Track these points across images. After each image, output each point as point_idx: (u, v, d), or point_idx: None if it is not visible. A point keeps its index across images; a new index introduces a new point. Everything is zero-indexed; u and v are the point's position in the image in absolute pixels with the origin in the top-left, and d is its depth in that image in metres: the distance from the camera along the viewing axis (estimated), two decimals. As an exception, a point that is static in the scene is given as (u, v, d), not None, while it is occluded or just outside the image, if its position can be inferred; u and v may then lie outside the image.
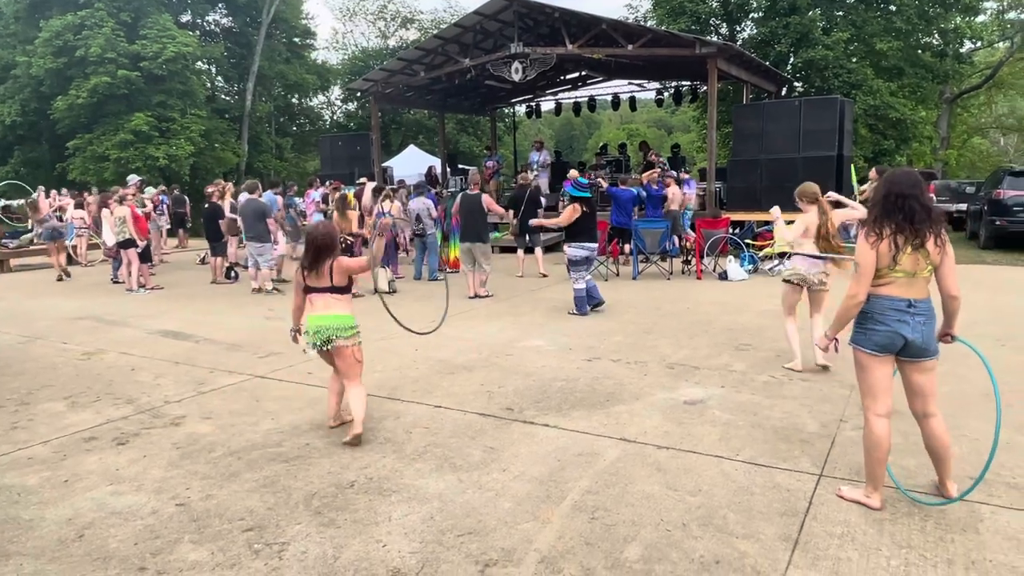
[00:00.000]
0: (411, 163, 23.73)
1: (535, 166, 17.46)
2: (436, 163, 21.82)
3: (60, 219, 14.01)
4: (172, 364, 6.20)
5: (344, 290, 4.25)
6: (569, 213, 8.01)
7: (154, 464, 3.97)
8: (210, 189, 12.33)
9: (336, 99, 39.37)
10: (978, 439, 4.07)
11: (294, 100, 36.90)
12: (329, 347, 4.16)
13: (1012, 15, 25.69)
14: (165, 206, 15.67)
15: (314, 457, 3.99)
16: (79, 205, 14.63)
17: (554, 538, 3.06)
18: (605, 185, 12.97)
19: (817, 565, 2.81)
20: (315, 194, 14.49)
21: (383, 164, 21.03)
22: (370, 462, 3.91)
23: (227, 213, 11.47)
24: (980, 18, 23.62)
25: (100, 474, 3.86)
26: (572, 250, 8.03)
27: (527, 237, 11.55)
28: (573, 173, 13.12)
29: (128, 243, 10.63)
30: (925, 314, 3.13)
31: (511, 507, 3.35)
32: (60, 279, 12.35)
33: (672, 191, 12.43)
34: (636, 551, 2.94)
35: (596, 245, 8.23)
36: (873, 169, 8.66)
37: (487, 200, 9.51)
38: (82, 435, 4.48)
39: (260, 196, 10.66)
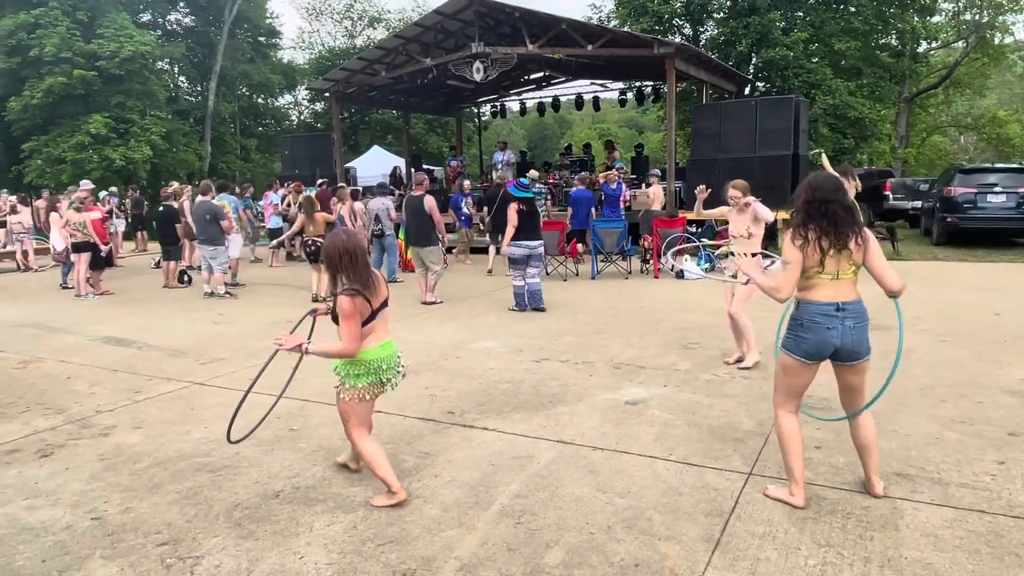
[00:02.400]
0: (376, 164, 23.55)
1: (499, 166, 17.41)
2: (401, 163, 21.66)
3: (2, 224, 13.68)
4: (110, 372, 6.04)
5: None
6: (512, 214, 8.14)
7: (75, 477, 3.85)
8: (168, 191, 12.10)
9: (303, 99, 38.99)
10: (909, 435, 4.11)
11: (259, 100, 36.43)
12: (400, 379, 3.51)
13: (967, 16, 26.27)
14: (116, 207, 15.36)
15: (242, 467, 3.90)
16: (13, 210, 14.30)
17: (476, 545, 3.02)
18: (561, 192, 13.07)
19: (735, 566, 2.80)
20: (274, 196, 14.29)
21: (347, 164, 20.83)
22: (299, 471, 3.84)
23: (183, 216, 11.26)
24: (936, 19, 24.14)
25: (17, 488, 3.73)
26: (510, 248, 8.19)
27: (499, 236, 11.56)
28: (532, 173, 13.25)
29: (89, 246, 10.34)
30: (855, 316, 3.12)
31: (437, 514, 3.30)
32: None
33: (653, 191, 12.42)
34: (557, 556, 2.91)
35: (537, 243, 8.32)
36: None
37: (430, 203, 9.06)
38: (5, 447, 4.33)
39: (213, 198, 10.47)
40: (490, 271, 11.61)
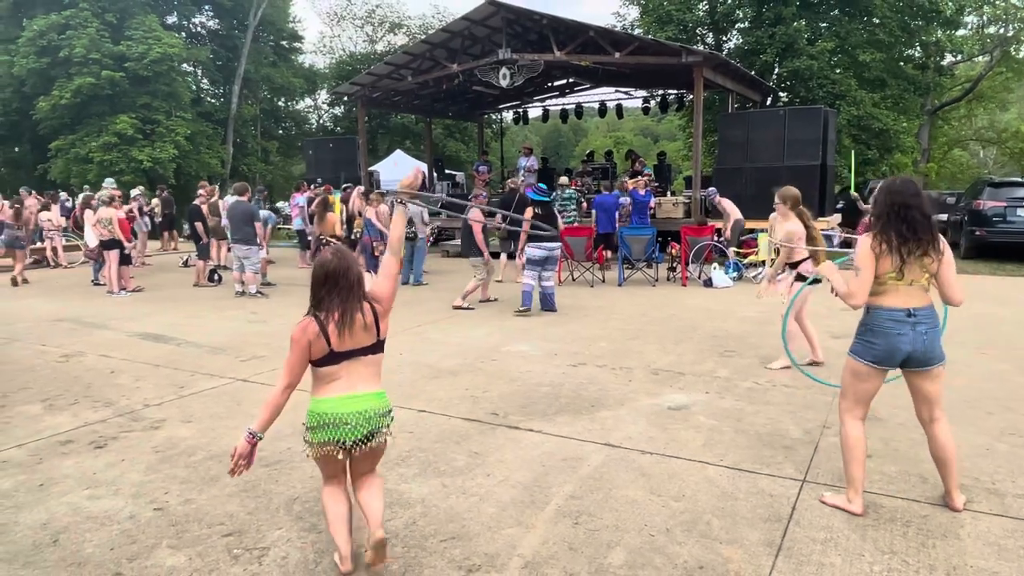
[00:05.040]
0: (397, 168, 23.65)
1: (522, 171, 17.45)
2: (424, 167, 21.77)
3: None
4: (152, 367, 6.12)
5: (383, 347, 2.86)
6: (530, 214, 8.54)
7: (132, 468, 3.91)
8: (201, 191, 12.29)
9: (323, 103, 39.33)
10: (959, 446, 4.09)
11: (280, 103, 36.78)
12: (368, 445, 2.75)
13: (992, 30, 26.12)
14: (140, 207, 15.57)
15: (295, 461, 3.95)
16: (45, 207, 14.52)
17: (538, 543, 3.04)
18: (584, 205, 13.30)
19: (800, 571, 2.81)
20: (300, 198, 14.39)
21: (369, 168, 20.95)
22: (353, 467, 3.87)
23: (208, 216, 11.42)
24: (961, 32, 24.00)
25: (76, 478, 3.79)
26: (531, 249, 8.48)
27: (512, 243, 11.59)
28: (564, 180, 13.32)
29: (117, 244, 10.49)
30: (926, 322, 3.12)
31: (495, 512, 3.33)
32: (15, 284, 11.76)
33: (726, 203, 12.17)
34: (620, 556, 2.93)
35: (555, 245, 8.65)
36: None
37: (472, 217, 9.25)
38: (59, 438, 4.40)
39: (250, 199, 10.59)
40: (499, 280, 11.40)
